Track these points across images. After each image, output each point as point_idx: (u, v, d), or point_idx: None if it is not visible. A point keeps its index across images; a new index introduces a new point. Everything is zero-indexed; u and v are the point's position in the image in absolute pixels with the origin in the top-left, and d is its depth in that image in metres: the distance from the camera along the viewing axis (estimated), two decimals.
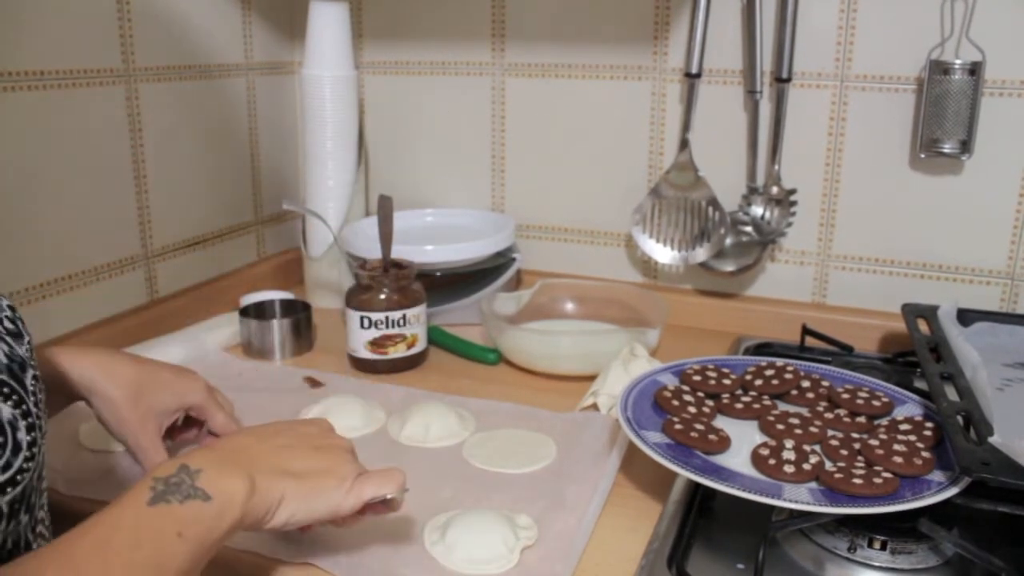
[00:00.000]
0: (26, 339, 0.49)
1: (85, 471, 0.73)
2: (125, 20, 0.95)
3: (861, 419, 0.73)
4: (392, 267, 0.95)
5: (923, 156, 0.95)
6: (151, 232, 1.03)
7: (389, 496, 0.57)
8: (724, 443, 0.69)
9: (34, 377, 0.47)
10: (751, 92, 1.02)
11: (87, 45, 0.91)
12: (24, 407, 0.45)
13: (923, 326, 0.87)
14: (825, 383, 0.79)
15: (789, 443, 0.67)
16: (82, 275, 0.94)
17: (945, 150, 0.94)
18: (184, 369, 0.73)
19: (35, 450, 0.45)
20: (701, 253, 1.06)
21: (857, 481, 0.60)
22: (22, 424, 0.44)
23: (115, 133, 0.96)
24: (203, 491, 0.48)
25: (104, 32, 0.93)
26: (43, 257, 0.89)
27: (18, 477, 0.43)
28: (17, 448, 0.43)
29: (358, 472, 0.57)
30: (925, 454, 0.65)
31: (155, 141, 1.02)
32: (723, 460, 0.67)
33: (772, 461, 0.65)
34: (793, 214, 1.03)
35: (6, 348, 0.46)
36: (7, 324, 0.48)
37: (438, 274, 1.06)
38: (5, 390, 0.44)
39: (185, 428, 0.73)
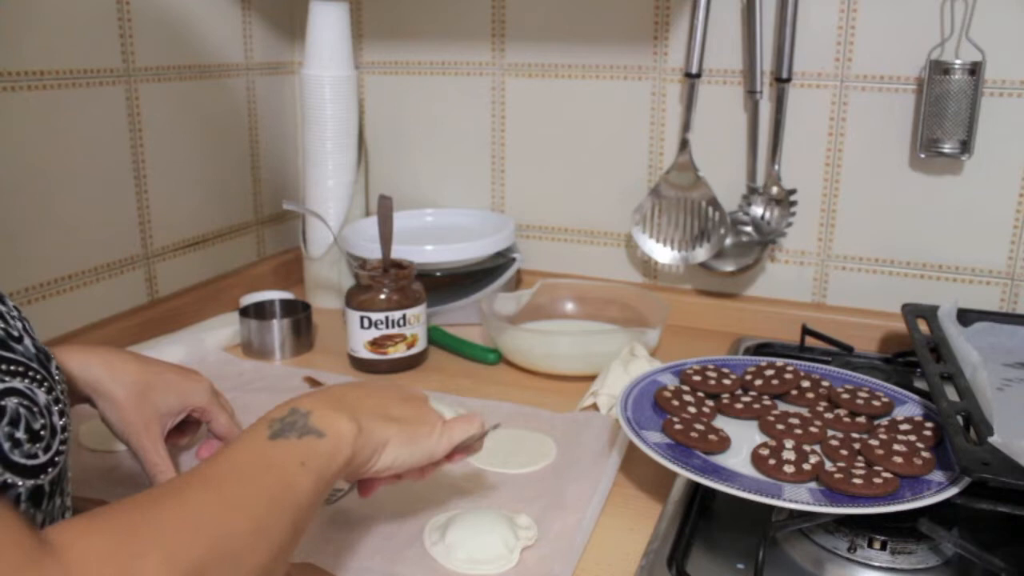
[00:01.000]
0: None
1: (85, 471, 0.73)
2: (125, 20, 0.95)
3: (861, 419, 0.73)
4: (392, 267, 0.95)
5: (923, 156, 0.96)
6: (151, 232, 1.03)
7: (476, 435, 0.61)
8: (724, 443, 0.69)
9: (57, 367, 0.48)
10: (751, 92, 1.02)
11: (87, 45, 0.91)
12: (54, 394, 0.46)
13: (923, 326, 0.87)
14: (825, 383, 0.79)
15: (789, 443, 0.67)
16: (82, 275, 0.94)
17: (945, 150, 0.94)
18: (189, 370, 0.73)
19: (67, 434, 0.46)
20: (701, 253, 1.06)
21: (857, 481, 0.60)
22: (55, 409, 0.45)
23: (115, 133, 0.96)
24: (317, 429, 0.50)
25: (104, 32, 0.93)
26: (43, 257, 0.89)
27: (56, 458, 0.44)
28: (54, 431, 0.44)
29: (442, 420, 0.60)
30: (925, 454, 0.65)
31: (155, 141, 1.02)
32: (723, 460, 0.67)
33: (772, 461, 0.65)
34: (793, 214, 1.03)
35: (32, 339, 0.47)
36: (17, 323, 0.48)
37: (438, 274, 1.06)
38: (38, 376, 0.45)
39: (177, 432, 0.72)
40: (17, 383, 0.43)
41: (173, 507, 0.39)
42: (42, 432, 0.44)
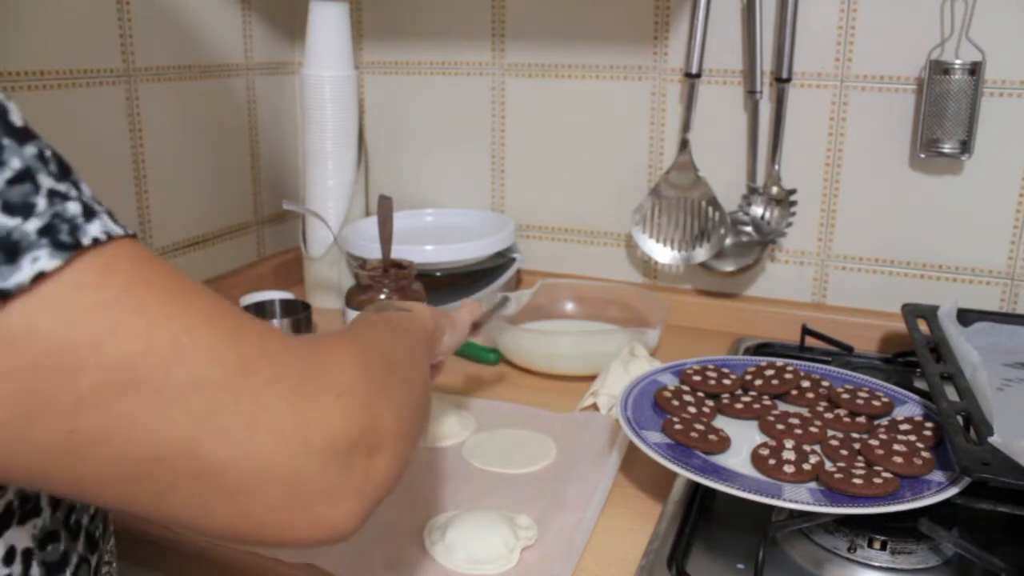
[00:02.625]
0: None
1: None
2: (125, 20, 0.95)
3: (861, 419, 0.73)
4: (392, 267, 0.95)
5: (923, 156, 0.95)
6: (151, 232, 1.03)
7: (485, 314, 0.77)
8: (724, 443, 0.69)
9: None
10: (751, 92, 1.02)
11: (87, 45, 0.91)
12: None
13: (923, 326, 0.87)
14: (825, 383, 0.79)
15: (789, 443, 0.67)
16: None
17: (945, 150, 0.94)
18: None
19: None
20: (701, 253, 1.06)
21: (857, 481, 0.60)
22: None
23: (115, 133, 0.96)
24: (406, 308, 0.58)
25: (104, 32, 0.93)
26: None
27: None
28: None
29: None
30: (925, 454, 0.65)
31: (155, 141, 1.02)
32: (723, 460, 0.67)
33: (772, 461, 0.65)
34: (793, 214, 1.03)
35: None
36: None
37: (438, 274, 1.06)
38: None
39: None
40: None
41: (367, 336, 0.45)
42: None
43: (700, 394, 0.77)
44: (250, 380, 0.33)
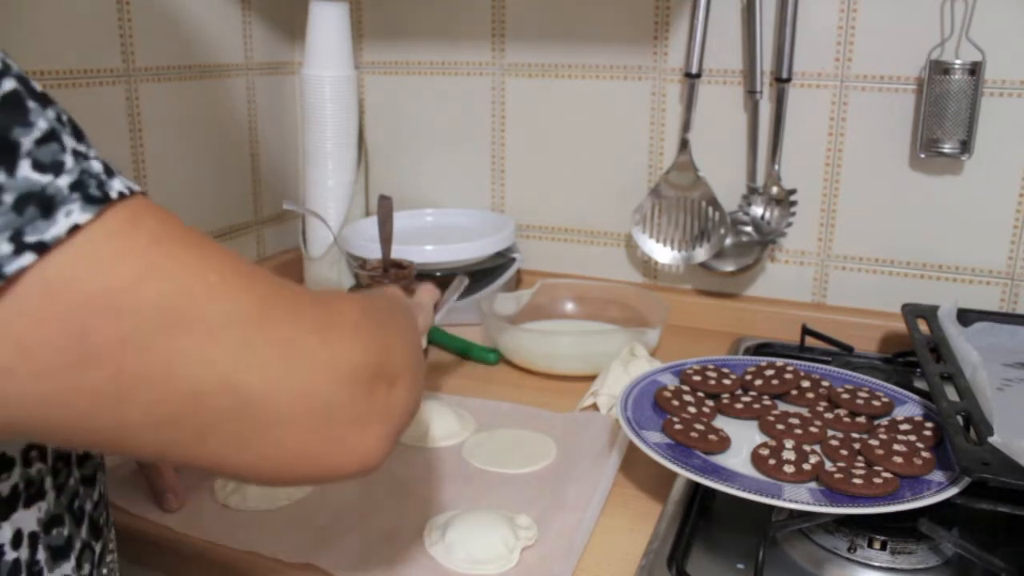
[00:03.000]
0: None
1: None
2: (125, 20, 0.95)
3: (861, 419, 0.73)
4: (392, 267, 0.95)
5: (923, 156, 0.95)
6: None
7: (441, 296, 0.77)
8: (724, 443, 0.69)
9: None
10: (751, 92, 1.02)
11: (87, 45, 0.91)
12: None
13: (923, 326, 0.87)
14: (825, 383, 0.79)
15: (789, 443, 0.67)
16: None
17: (945, 150, 0.94)
18: None
19: None
20: (701, 253, 1.06)
21: (857, 481, 0.60)
22: None
23: (115, 133, 0.96)
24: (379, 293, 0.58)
25: (104, 32, 0.93)
26: None
27: None
28: None
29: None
30: (925, 454, 0.65)
31: (155, 141, 1.02)
32: (723, 460, 0.67)
33: (772, 461, 0.65)
34: (793, 214, 1.03)
35: None
36: None
37: (438, 274, 1.06)
38: None
39: None
40: None
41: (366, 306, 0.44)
42: None
43: (700, 394, 0.77)
44: (277, 315, 0.35)
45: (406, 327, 0.46)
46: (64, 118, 0.31)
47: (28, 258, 0.28)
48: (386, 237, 0.95)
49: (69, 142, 0.30)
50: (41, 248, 0.28)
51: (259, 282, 0.35)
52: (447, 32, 1.17)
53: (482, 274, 1.09)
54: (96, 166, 0.31)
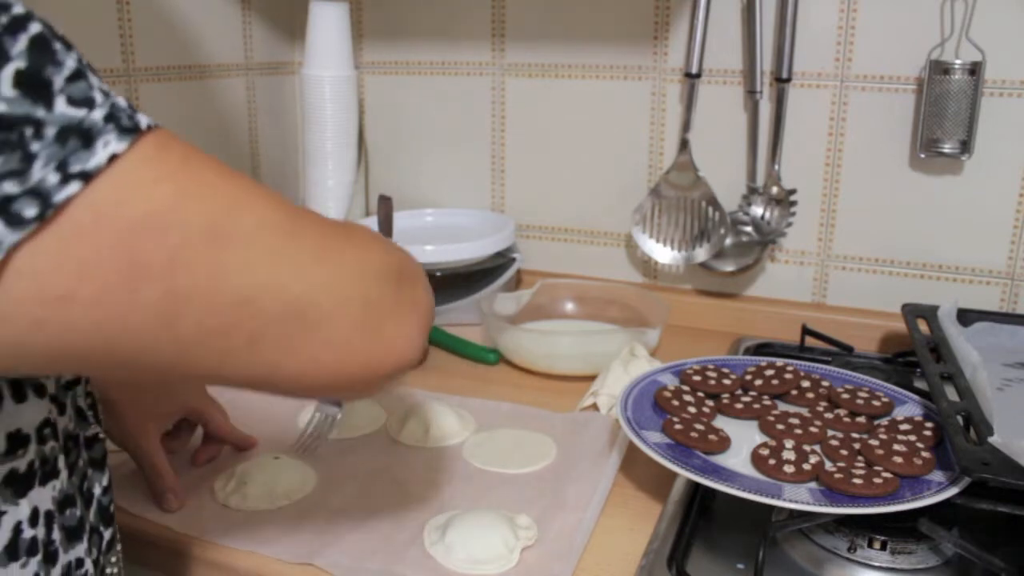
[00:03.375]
0: None
1: None
2: (125, 20, 0.95)
3: (861, 419, 0.73)
4: None
5: (923, 156, 0.95)
6: None
7: None
8: (724, 443, 0.69)
9: None
10: (751, 92, 1.02)
11: (87, 45, 0.91)
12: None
13: (923, 326, 0.87)
14: (825, 383, 0.79)
15: (789, 443, 0.67)
16: None
17: (945, 150, 0.94)
18: None
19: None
20: (701, 253, 1.06)
21: (857, 481, 0.60)
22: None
23: None
24: None
25: (104, 32, 0.93)
26: None
27: None
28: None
29: None
30: (925, 454, 0.65)
31: None
32: (723, 460, 0.67)
33: (772, 461, 0.65)
34: (793, 214, 1.03)
35: None
36: None
37: (438, 274, 1.06)
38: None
39: (169, 437, 0.73)
40: None
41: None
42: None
43: (700, 394, 0.77)
44: (304, 224, 0.37)
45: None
46: (83, 60, 0.32)
47: (75, 187, 0.29)
48: (386, 237, 0.95)
49: (94, 81, 0.31)
50: (85, 177, 0.29)
51: (280, 198, 0.37)
52: (447, 32, 1.17)
53: (482, 274, 1.09)
54: (121, 102, 0.32)
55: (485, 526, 0.62)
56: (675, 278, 1.13)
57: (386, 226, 0.95)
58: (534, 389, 0.91)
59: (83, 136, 0.30)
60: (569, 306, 1.10)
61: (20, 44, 0.29)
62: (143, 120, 0.32)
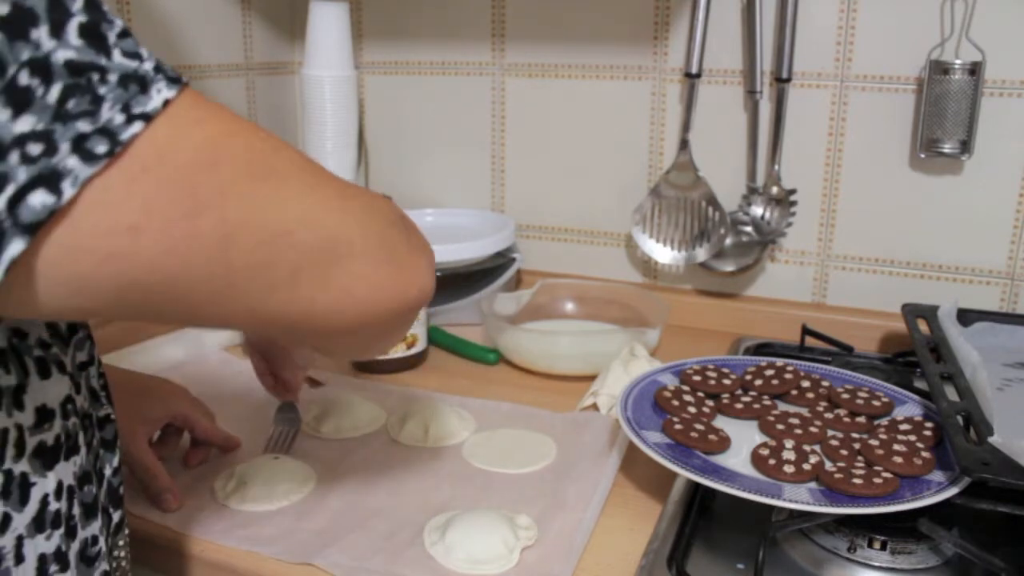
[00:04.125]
0: None
1: None
2: (125, 20, 0.95)
3: (861, 419, 0.73)
4: None
5: (923, 156, 0.95)
6: None
7: None
8: (724, 443, 0.69)
9: None
10: (751, 92, 1.02)
11: None
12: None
13: (923, 326, 0.87)
14: (825, 383, 0.79)
15: (789, 443, 0.67)
16: None
17: (945, 150, 0.94)
18: (164, 379, 0.73)
19: None
20: (701, 253, 1.06)
21: (857, 481, 0.60)
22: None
23: None
24: None
25: None
26: None
27: None
28: None
29: None
30: (925, 454, 0.65)
31: None
32: (723, 460, 0.67)
33: (772, 461, 0.65)
34: (793, 214, 1.03)
35: None
36: None
37: (438, 274, 1.05)
38: None
39: (158, 444, 0.73)
40: None
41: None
42: None
43: (700, 394, 0.77)
44: (320, 168, 0.40)
45: None
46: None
47: (138, 126, 0.32)
48: None
49: (136, 40, 0.34)
50: (146, 118, 0.32)
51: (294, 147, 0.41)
52: (447, 32, 1.17)
53: (482, 274, 1.09)
54: (159, 58, 0.35)
55: (485, 526, 0.62)
56: (675, 278, 1.13)
57: None
58: (534, 389, 0.91)
59: (140, 83, 0.32)
60: (569, 306, 1.10)
61: (78, 3, 0.31)
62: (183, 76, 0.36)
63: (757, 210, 1.04)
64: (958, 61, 0.92)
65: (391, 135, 1.24)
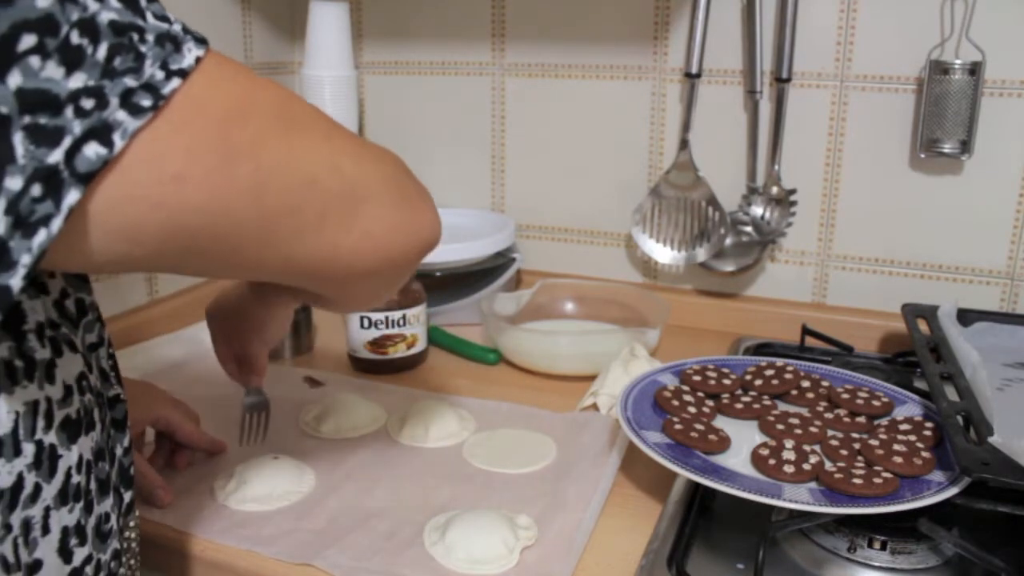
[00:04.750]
0: None
1: None
2: None
3: (861, 419, 0.73)
4: None
5: (923, 156, 0.95)
6: None
7: None
8: (724, 443, 0.69)
9: None
10: (751, 92, 1.02)
11: None
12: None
13: (923, 326, 0.87)
14: (825, 383, 0.79)
15: (789, 443, 0.67)
16: None
17: (945, 150, 0.94)
18: (147, 383, 0.73)
19: None
20: (701, 253, 1.06)
21: (857, 481, 0.60)
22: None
23: None
24: None
25: None
26: None
27: None
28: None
29: None
30: (925, 454, 0.65)
31: None
32: (723, 460, 0.67)
33: (772, 461, 0.65)
34: (793, 214, 1.03)
35: None
36: None
37: (438, 274, 1.06)
38: None
39: (156, 451, 0.73)
40: None
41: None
42: None
43: (700, 394, 0.77)
44: (334, 121, 0.43)
45: None
46: None
47: (176, 82, 0.34)
48: None
49: (161, 3, 0.36)
50: (183, 74, 0.34)
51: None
52: (447, 32, 1.17)
53: (482, 274, 1.09)
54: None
55: (485, 526, 0.62)
56: (675, 278, 1.13)
57: None
58: (534, 389, 0.91)
59: (174, 42, 0.34)
60: (569, 306, 1.10)
61: None
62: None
63: (757, 210, 1.04)
64: (958, 61, 0.92)
65: (391, 135, 1.24)
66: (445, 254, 1.04)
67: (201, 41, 0.36)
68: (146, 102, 0.33)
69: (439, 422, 0.80)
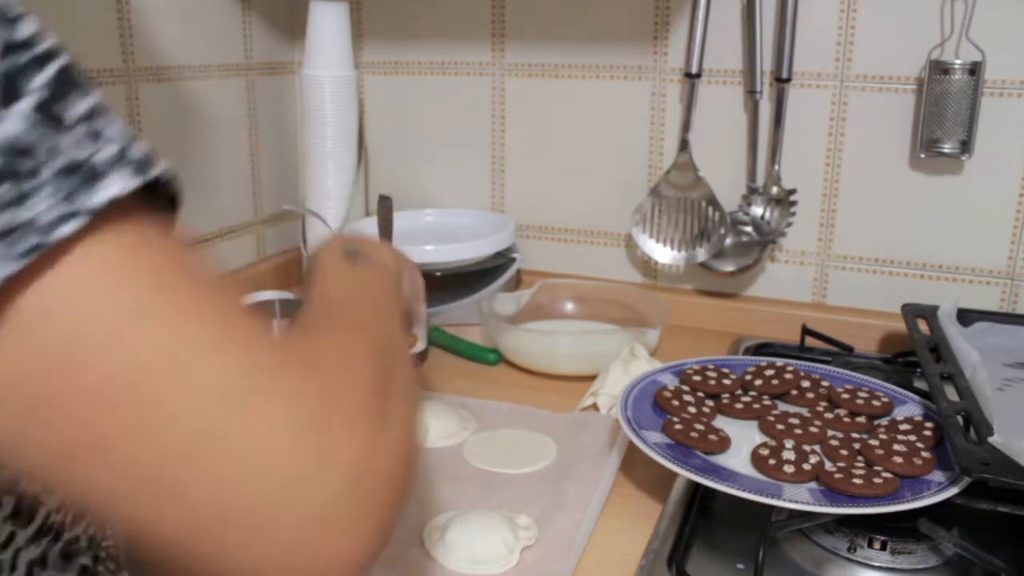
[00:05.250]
0: None
1: None
2: (125, 20, 0.95)
3: (861, 419, 0.73)
4: None
5: (923, 156, 0.96)
6: None
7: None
8: (724, 443, 0.69)
9: None
10: (751, 92, 1.02)
11: (87, 45, 0.91)
12: None
13: (923, 326, 0.87)
14: (825, 383, 0.79)
15: (789, 443, 0.67)
16: None
17: (945, 150, 0.94)
18: None
19: None
20: (701, 253, 1.06)
21: (857, 481, 0.60)
22: None
23: None
24: (370, 253, 0.57)
25: (104, 32, 0.93)
26: None
27: None
28: None
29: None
30: (925, 454, 0.65)
31: (155, 141, 1.01)
32: (723, 460, 0.67)
33: (772, 461, 0.65)
34: (793, 214, 1.03)
35: None
36: None
37: (438, 274, 1.06)
38: None
39: None
40: None
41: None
42: None
43: (700, 394, 0.77)
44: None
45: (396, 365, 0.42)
46: None
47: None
48: (386, 238, 0.95)
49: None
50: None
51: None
52: (447, 32, 1.17)
53: (482, 274, 1.09)
54: None
55: (485, 526, 0.62)
56: (675, 278, 1.13)
57: (386, 226, 0.95)
58: (534, 389, 0.91)
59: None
60: (569, 306, 1.10)
61: None
62: None
63: (757, 210, 1.04)
64: (958, 61, 0.92)
65: (391, 135, 1.24)
66: (445, 254, 1.04)
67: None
68: None
69: (439, 422, 0.80)
